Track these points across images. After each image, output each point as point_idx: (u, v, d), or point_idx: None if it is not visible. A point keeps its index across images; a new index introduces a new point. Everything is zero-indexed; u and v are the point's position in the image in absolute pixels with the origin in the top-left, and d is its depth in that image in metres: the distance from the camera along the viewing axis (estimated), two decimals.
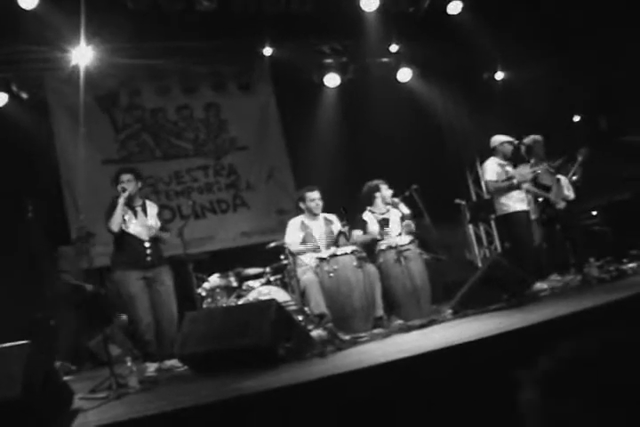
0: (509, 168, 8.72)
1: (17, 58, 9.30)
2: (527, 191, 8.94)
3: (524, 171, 8.73)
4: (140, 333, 6.93)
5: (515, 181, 8.57)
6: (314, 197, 7.94)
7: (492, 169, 8.75)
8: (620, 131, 10.60)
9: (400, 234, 7.99)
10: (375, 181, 8.26)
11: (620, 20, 9.91)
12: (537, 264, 8.50)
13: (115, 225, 6.93)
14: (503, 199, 8.67)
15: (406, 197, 8.30)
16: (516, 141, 8.85)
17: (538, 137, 8.92)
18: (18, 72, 9.53)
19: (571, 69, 10.63)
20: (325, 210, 8.06)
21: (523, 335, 4.66)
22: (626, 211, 9.89)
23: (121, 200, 6.92)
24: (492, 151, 8.89)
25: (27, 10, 8.13)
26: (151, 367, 6.54)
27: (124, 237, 7.05)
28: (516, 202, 8.62)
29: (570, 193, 8.90)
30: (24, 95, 9.63)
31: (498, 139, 8.86)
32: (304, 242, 7.86)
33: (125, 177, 7.09)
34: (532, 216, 9.17)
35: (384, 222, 8.10)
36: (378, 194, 8.19)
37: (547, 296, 7.07)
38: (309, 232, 7.88)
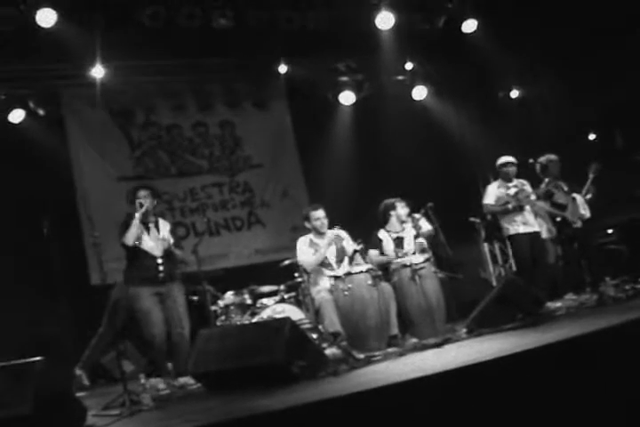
0: (512, 190, 8.66)
1: (34, 75, 9.36)
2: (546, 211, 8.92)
3: (522, 195, 8.69)
4: (154, 349, 6.93)
5: (510, 206, 8.57)
6: (318, 215, 7.89)
7: (490, 192, 8.84)
8: (636, 149, 10.55)
9: (415, 252, 7.96)
10: (391, 200, 8.25)
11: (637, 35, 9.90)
12: (547, 284, 8.45)
13: (130, 239, 6.97)
14: (505, 223, 8.71)
15: (422, 216, 8.28)
16: (517, 161, 8.81)
17: (553, 156, 8.91)
18: (35, 89, 9.59)
19: (587, 87, 10.60)
20: (340, 227, 8.04)
21: (538, 355, 4.62)
22: None
23: (138, 215, 6.98)
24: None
25: (44, 28, 8.19)
26: (164, 384, 6.52)
27: (137, 253, 7.09)
28: (518, 225, 8.59)
29: (586, 212, 8.85)
30: (41, 112, 9.68)
31: (498, 161, 8.85)
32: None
33: (142, 193, 7.16)
34: (546, 235, 9.13)
35: (399, 241, 8.08)
36: (393, 212, 8.18)
37: (562, 315, 7.01)
38: (319, 250, 7.86)
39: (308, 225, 7.97)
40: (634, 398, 4.29)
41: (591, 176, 8.90)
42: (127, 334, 8.45)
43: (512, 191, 8.65)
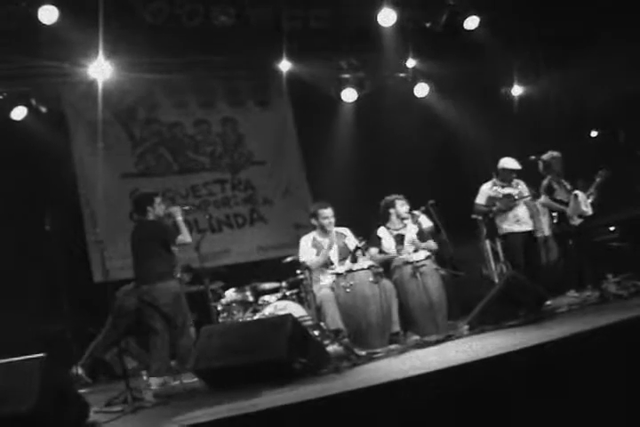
0: (508, 190, 8.68)
1: (36, 72, 9.34)
2: (542, 205, 8.90)
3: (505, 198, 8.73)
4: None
5: (495, 208, 8.61)
6: (326, 214, 7.90)
7: (483, 191, 8.86)
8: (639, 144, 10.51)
9: (416, 250, 7.95)
10: (391, 197, 8.23)
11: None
12: (546, 282, 8.44)
13: (189, 237, 7.16)
14: (497, 221, 8.72)
15: (423, 213, 8.28)
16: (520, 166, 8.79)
17: (556, 153, 8.85)
18: (37, 86, 9.58)
19: (589, 83, 10.57)
20: (342, 224, 8.05)
21: (539, 352, 4.62)
22: None
23: (181, 218, 7.18)
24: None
25: (46, 24, 8.19)
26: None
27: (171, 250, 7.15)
28: (510, 224, 8.60)
29: (587, 209, 8.77)
30: (43, 109, 9.67)
31: (502, 164, 8.81)
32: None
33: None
34: (548, 233, 9.11)
35: (399, 238, 8.06)
36: (392, 210, 8.15)
37: (564, 313, 7.00)
38: (322, 247, 7.86)
39: (314, 222, 7.96)
40: (634, 396, 4.29)
41: (597, 181, 8.82)
42: (131, 332, 8.45)
43: (504, 191, 8.67)
